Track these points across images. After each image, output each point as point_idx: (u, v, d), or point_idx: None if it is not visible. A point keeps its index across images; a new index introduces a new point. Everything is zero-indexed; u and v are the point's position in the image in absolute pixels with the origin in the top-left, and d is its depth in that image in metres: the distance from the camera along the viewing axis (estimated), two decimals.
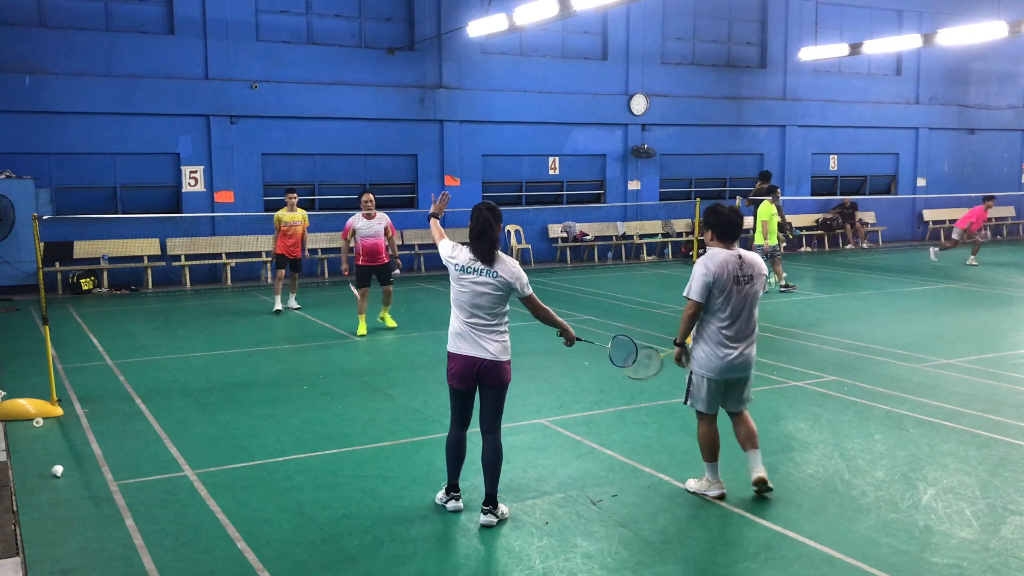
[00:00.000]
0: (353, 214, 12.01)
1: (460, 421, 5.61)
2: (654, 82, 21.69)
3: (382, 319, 12.13)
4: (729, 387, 5.80)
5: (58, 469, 6.40)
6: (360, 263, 11.67)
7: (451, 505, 5.70)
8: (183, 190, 17.33)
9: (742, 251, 5.67)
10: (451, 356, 5.47)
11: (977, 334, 11.51)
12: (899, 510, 5.66)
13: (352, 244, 11.74)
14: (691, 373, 5.84)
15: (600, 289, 15.99)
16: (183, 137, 17.21)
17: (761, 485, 5.80)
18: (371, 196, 11.73)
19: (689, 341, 5.89)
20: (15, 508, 5.72)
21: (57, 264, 16.08)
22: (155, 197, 17.40)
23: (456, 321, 5.45)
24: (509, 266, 5.39)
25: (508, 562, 4.96)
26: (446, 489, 5.77)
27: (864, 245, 23.78)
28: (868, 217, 24.82)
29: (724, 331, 5.63)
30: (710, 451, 5.85)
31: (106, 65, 16.47)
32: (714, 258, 5.58)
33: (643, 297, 14.91)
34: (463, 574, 4.85)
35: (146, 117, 16.80)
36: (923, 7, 24.95)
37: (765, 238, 14.81)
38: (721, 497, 5.79)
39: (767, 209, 14.89)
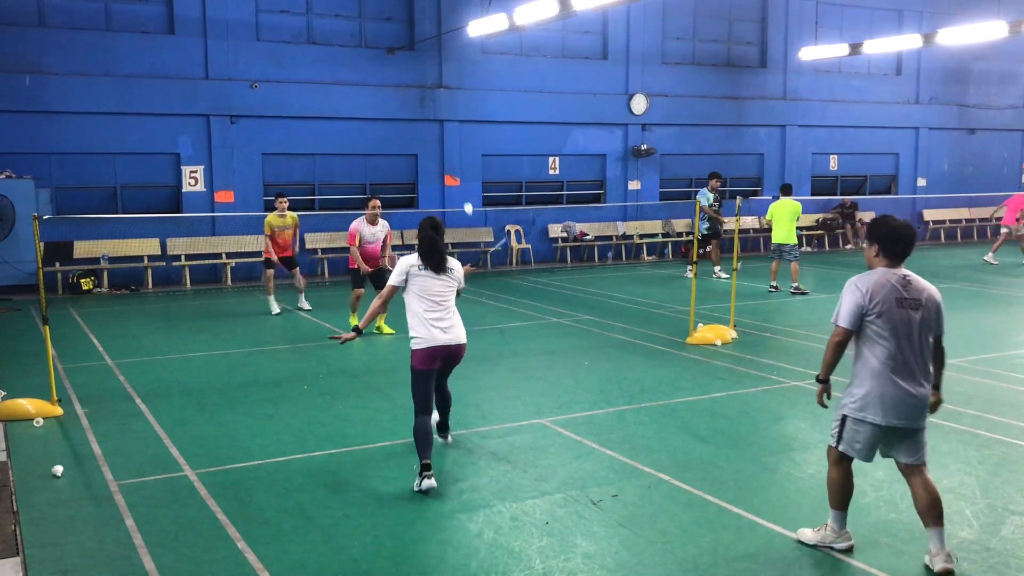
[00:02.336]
0: (358, 215, 11.88)
1: (426, 407, 6.25)
2: (654, 82, 21.68)
3: (378, 329, 11.75)
4: (896, 434, 4.81)
5: (58, 469, 6.40)
6: (355, 267, 11.62)
7: (426, 484, 5.93)
8: (183, 190, 17.33)
9: (910, 273, 4.82)
10: (427, 346, 6.16)
11: (977, 334, 11.51)
12: (899, 510, 5.66)
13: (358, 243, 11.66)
14: (844, 416, 4.88)
15: (600, 289, 15.99)
16: (183, 137, 17.21)
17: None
18: (378, 202, 11.64)
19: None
20: (15, 508, 5.72)
21: (57, 264, 16.07)
22: (155, 197, 17.40)
23: (421, 315, 6.20)
24: (457, 268, 6.43)
25: (508, 562, 4.96)
26: (420, 471, 6.00)
27: (864, 245, 23.73)
28: (868, 217, 24.77)
29: (889, 364, 4.71)
30: (841, 498, 4.98)
31: (106, 65, 16.46)
32: (867, 277, 4.79)
33: (644, 297, 14.91)
34: (463, 574, 4.85)
35: (146, 117, 16.80)
36: (923, 7, 24.95)
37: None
38: (849, 550, 4.99)
39: (792, 207, 14.98)
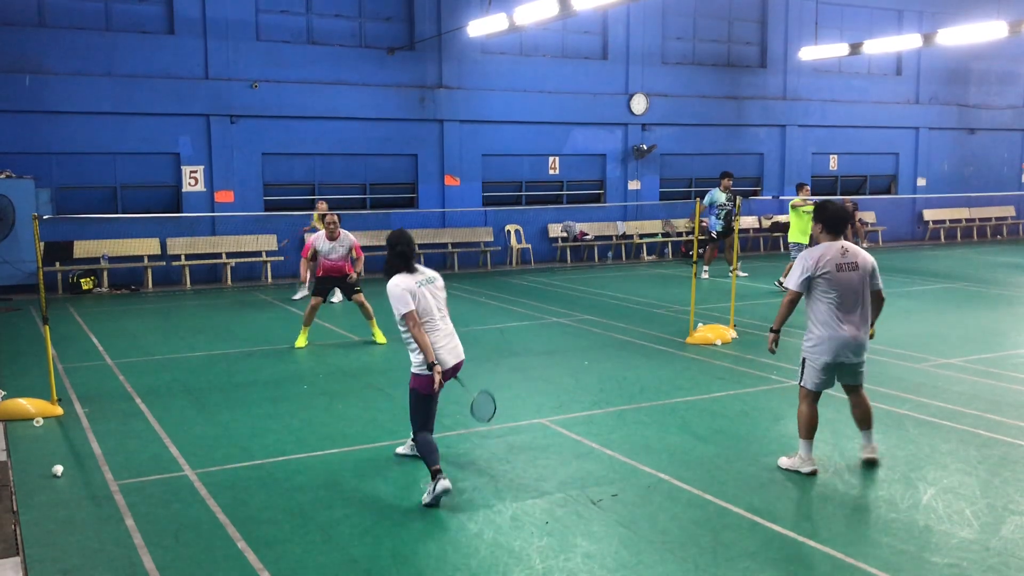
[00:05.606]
0: (357, 215, 11.75)
1: (430, 424, 6.07)
2: (654, 82, 21.69)
3: (373, 336, 11.18)
4: (842, 368, 6.23)
5: (58, 469, 6.40)
6: (319, 275, 11.12)
7: (441, 485, 5.72)
8: (183, 190, 17.33)
9: (846, 243, 6.23)
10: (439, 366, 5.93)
11: (977, 334, 11.51)
12: (899, 510, 5.67)
13: (311, 263, 11.12)
14: (804, 359, 6.28)
15: (600, 289, 15.99)
16: (183, 137, 17.22)
17: (871, 464, 6.37)
18: (335, 217, 11.01)
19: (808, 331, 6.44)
20: (15, 508, 5.72)
21: (57, 264, 16.07)
22: (155, 197, 17.40)
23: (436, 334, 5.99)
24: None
25: (508, 562, 4.96)
26: (432, 476, 5.80)
27: (864, 245, 23.76)
28: (868, 217, 24.82)
29: (835, 312, 6.06)
30: (808, 429, 6.31)
31: (106, 65, 16.47)
32: (814, 251, 6.18)
33: (643, 297, 14.91)
34: (463, 574, 4.85)
35: (146, 117, 16.80)
36: (923, 7, 24.95)
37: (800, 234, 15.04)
38: (814, 474, 6.23)
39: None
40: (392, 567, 4.93)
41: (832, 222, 6.24)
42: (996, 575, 4.77)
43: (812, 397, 6.31)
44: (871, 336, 6.32)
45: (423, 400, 5.96)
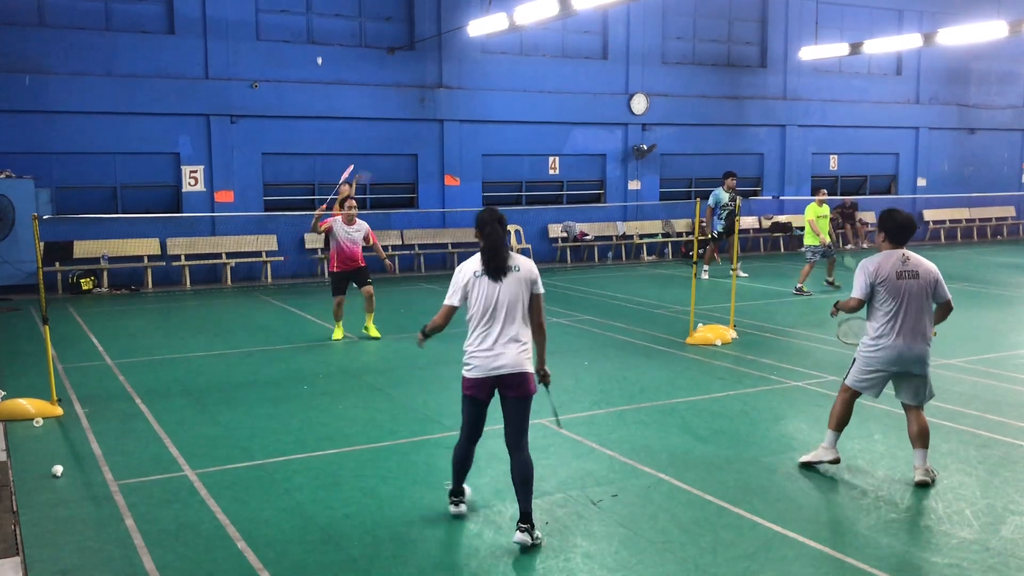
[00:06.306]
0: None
1: (471, 435, 5.48)
2: (654, 82, 21.68)
3: (366, 329, 11.42)
4: (899, 379, 6.14)
5: (58, 469, 6.40)
6: (334, 270, 11.21)
7: (452, 511, 5.65)
8: (183, 190, 17.33)
9: (908, 252, 6.13)
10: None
11: (977, 334, 11.51)
12: (899, 510, 5.66)
13: (323, 231, 11.16)
14: (855, 358, 6.27)
15: (600, 289, 15.98)
16: (183, 137, 17.21)
17: (923, 486, 6.04)
18: (354, 202, 11.16)
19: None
20: (15, 508, 5.72)
21: (57, 264, 16.07)
22: (155, 197, 17.40)
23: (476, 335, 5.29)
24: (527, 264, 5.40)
25: (508, 562, 4.96)
26: (452, 492, 5.69)
27: (864, 245, 23.75)
28: (868, 217, 24.79)
29: (891, 320, 5.99)
30: (838, 421, 6.32)
31: (106, 65, 16.47)
32: (875, 258, 6.14)
33: (644, 297, 14.91)
34: (463, 574, 4.85)
35: (146, 117, 16.80)
36: (923, 7, 24.95)
37: (818, 235, 15.05)
38: (836, 461, 6.29)
39: (813, 210, 15.13)
40: (392, 567, 4.92)
41: (896, 231, 6.14)
42: (996, 575, 4.77)
43: (850, 394, 6.28)
44: (932, 335, 6.22)
45: (463, 401, 5.42)
